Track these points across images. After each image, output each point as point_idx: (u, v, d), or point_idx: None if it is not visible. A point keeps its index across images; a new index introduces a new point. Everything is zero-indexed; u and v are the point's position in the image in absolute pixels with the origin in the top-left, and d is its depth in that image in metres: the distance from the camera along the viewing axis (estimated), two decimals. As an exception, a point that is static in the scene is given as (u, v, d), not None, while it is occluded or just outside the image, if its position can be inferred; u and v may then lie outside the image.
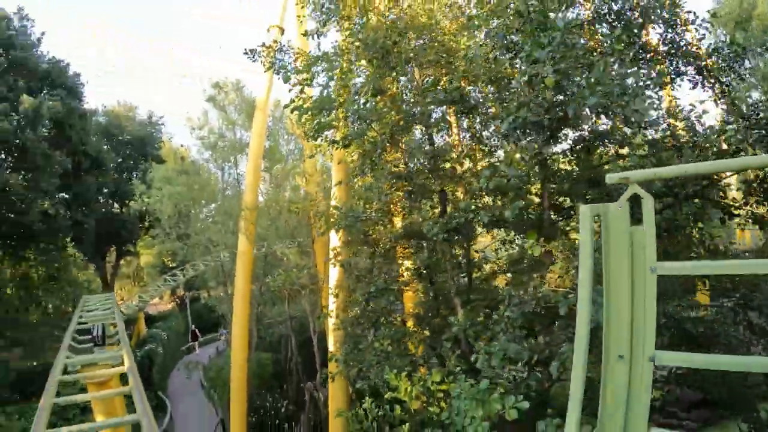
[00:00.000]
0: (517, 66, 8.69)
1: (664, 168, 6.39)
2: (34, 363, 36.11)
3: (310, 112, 11.90)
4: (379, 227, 13.36)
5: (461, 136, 12.94)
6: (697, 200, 7.93)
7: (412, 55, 10.91)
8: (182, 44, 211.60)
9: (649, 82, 9.25)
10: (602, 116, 7.72)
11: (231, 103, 42.50)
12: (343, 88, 12.03)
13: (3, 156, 41.74)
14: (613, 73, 7.38)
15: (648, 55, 10.40)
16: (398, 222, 14.66)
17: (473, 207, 8.97)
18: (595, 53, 8.19)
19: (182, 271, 52.81)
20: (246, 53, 13.14)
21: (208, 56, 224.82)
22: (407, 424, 9.08)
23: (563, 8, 8.97)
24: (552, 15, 8.26)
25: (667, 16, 10.43)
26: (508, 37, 8.51)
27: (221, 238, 37.97)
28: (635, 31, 9.96)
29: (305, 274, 24.60)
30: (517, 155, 8.22)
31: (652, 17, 10.22)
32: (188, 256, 50.57)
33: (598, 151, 9.86)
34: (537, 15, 7.97)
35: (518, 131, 7.25)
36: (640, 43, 10.35)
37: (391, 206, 13.29)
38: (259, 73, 23.00)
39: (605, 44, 8.65)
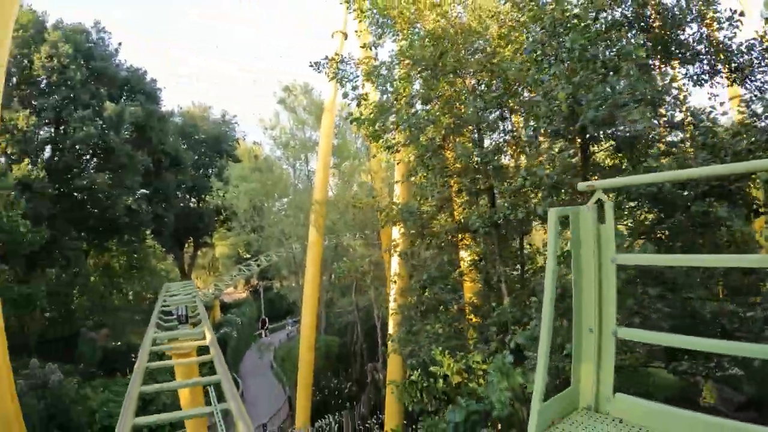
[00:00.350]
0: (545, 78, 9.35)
1: (628, 177, 7.33)
2: (118, 343, 38.77)
3: (367, 123, 12.86)
4: (435, 221, 14.24)
5: (505, 137, 13.59)
6: (710, 199, 8.40)
7: (458, 64, 11.74)
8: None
9: (685, 81, 9.89)
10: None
11: (300, 104, 44.22)
12: (401, 95, 12.93)
13: (90, 157, 44.81)
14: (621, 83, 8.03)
15: (685, 54, 10.74)
16: (458, 215, 15.47)
17: (506, 204, 9.74)
18: (617, 59, 8.71)
19: (256, 261, 54.94)
20: (311, 65, 14.20)
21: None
22: (447, 395, 10.08)
23: (593, 14, 9.53)
24: (580, 22, 8.94)
25: (702, 13, 10.55)
26: (535, 51, 9.24)
27: (293, 230, 39.77)
28: (669, 31, 10.34)
29: (367, 262, 25.81)
30: (542, 157, 8.93)
31: (688, 17, 10.53)
32: (262, 247, 52.79)
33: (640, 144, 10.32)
34: (563, 30, 8.71)
35: (537, 138, 8.06)
36: (677, 41, 10.56)
37: (446, 202, 14.11)
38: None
39: (629, 51, 9.12)
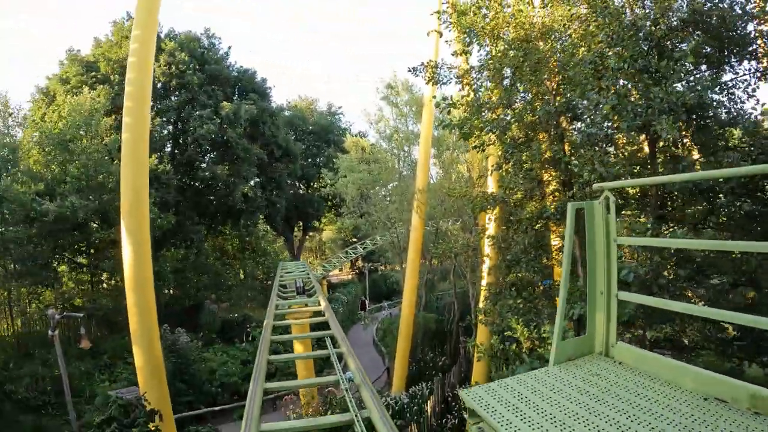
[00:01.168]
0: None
1: (629, 181, 8.32)
2: (234, 315, 42.35)
3: (456, 128, 14.11)
4: (521, 208, 15.30)
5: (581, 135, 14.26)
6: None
7: (538, 66, 12.73)
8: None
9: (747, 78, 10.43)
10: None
11: (402, 100, 45.98)
12: (492, 93, 14.04)
13: (210, 151, 48.78)
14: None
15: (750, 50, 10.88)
16: (541, 205, 16.41)
17: (580, 195, 10.67)
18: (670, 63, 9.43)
19: (362, 244, 57.23)
20: (409, 70, 15.64)
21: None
22: (519, 357, 11.32)
23: (655, 19, 10.23)
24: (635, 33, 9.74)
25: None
26: (595, 63, 10.13)
27: (397, 215, 41.60)
28: (737, 27, 10.54)
29: (460, 244, 27.15)
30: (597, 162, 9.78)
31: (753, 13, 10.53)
32: (368, 231, 55.08)
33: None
34: (624, 42, 9.62)
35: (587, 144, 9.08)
36: (740, 39, 10.66)
37: (532, 191, 15.11)
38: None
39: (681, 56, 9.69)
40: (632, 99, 8.96)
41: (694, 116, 9.10)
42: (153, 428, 10.82)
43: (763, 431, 3.15)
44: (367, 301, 55.67)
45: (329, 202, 65.88)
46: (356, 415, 5.53)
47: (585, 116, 10.10)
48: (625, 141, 10.92)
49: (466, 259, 30.09)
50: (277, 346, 9.00)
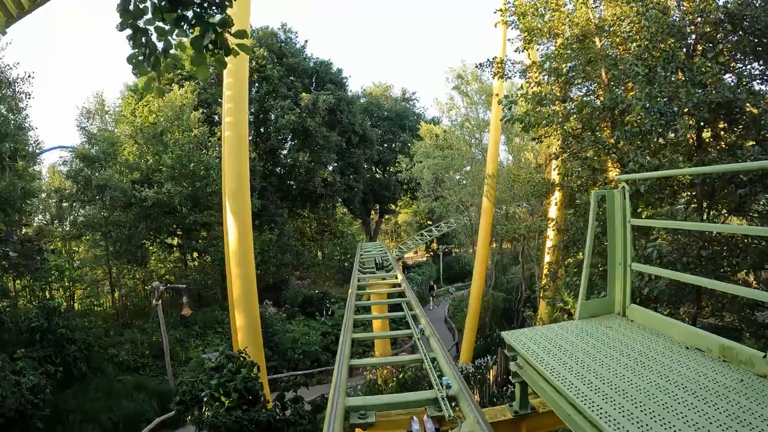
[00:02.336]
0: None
1: (641, 174, 9.27)
2: (315, 291, 44.15)
3: (517, 122, 15.21)
4: (579, 193, 16.25)
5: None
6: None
7: (587, 65, 13.69)
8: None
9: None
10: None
11: (472, 88, 47.04)
12: (555, 83, 15.05)
13: (291, 139, 50.93)
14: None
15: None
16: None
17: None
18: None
19: (437, 227, 58.47)
20: (477, 66, 16.90)
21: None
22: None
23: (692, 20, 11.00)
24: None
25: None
26: (636, 65, 10.99)
27: (470, 199, 42.77)
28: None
29: (524, 226, 28.10)
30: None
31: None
32: (442, 214, 56.32)
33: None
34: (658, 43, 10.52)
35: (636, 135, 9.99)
36: None
37: (591, 177, 16.03)
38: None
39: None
40: (663, 99, 9.87)
41: (722, 113, 9.78)
42: (253, 376, 12.64)
43: (725, 373, 4.10)
44: (435, 285, 55.93)
45: (405, 186, 66.79)
46: (425, 355, 6.92)
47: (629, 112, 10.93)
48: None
49: (533, 242, 31.10)
50: (359, 310, 10.37)
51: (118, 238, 32.89)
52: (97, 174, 32.19)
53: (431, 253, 72.73)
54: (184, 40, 4.17)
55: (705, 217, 10.57)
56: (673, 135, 10.05)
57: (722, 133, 10.54)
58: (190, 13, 3.94)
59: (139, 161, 35.87)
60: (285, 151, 51.10)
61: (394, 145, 69.00)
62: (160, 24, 4.04)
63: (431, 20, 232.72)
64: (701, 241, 9.28)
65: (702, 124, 10.35)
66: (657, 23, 10.93)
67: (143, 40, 4.09)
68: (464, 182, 49.03)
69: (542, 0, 14.77)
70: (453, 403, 5.43)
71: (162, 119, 36.68)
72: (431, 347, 7.14)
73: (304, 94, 48.27)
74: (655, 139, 10.96)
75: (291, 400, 13.22)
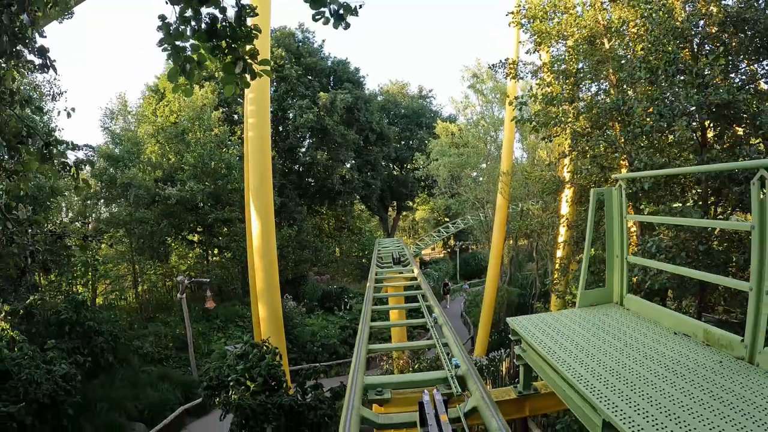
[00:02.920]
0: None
1: (640, 173, 9.60)
2: (333, 286, 44.96)
3: (526, 123, 15.68)
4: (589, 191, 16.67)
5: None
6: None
7: (595, 67, 14.07)
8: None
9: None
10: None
11: (487, 87, 47.50)
12: (566, 82, 15.46)
13: (309, 138, 51.56)
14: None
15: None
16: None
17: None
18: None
19: (454, 224, 58.91)
20: (490, 67, 17.40)
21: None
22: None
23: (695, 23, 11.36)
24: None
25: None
26: (640, 68, 11.39)
27: (485, 196, 43.19)
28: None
29: (536, 222, 28.52)
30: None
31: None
32: (459, 211, 56.73)
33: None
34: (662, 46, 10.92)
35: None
36: None
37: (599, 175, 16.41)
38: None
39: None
40: (665, 101, 10.27)
41: (724, 113, 10.10)
42: (276, 363, 13.30)
43: (707, 356, 4.57)
44: (449, 284, 55.40)
45: (422, 183, 66.87)
46: (437, 340, 7.43)
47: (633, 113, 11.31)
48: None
49: (546, 237, 31.48)
50: (377, 302, 10.83)
51: (141, 235, 33.71)
52: (120, 173, 33.02)
53: (448, 250, 73.13)
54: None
55: (712, 213, 10.94)
56: (672, 136, 10.38)
57: (725, 132, 10.85)
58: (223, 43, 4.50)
59: (161, 160, 36.67)
60: (303, 149, 51.82)
61: (411, 143, 69.13)
62: (195, 41, 4.62)
63: (447, 17, 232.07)
64: (701, 237, 9.65)
65: (707, 123, 10.72)
66: (660, 26, 11.32)
67: (181, 55, 4.66)
68: (480, 179, 49.45)
69: (551, 3, 15.22)
70: (462, 384, 5.92)
71: (183, 119, 37.45)
72: (444, 334, 7.64)
73: (321, 93, 48.89)
74: (656, 139, 11.35)
75: (311, 387, 13.84)
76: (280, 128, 49.36)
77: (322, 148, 49.09)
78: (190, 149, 35.60)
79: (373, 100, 62.27)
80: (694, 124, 10.30)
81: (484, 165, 49.10)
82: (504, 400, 6.83)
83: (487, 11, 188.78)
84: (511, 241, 41.55)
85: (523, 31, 16.48)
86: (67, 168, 5.69)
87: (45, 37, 6.77)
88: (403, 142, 69.72)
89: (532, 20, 15.52)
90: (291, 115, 48.00)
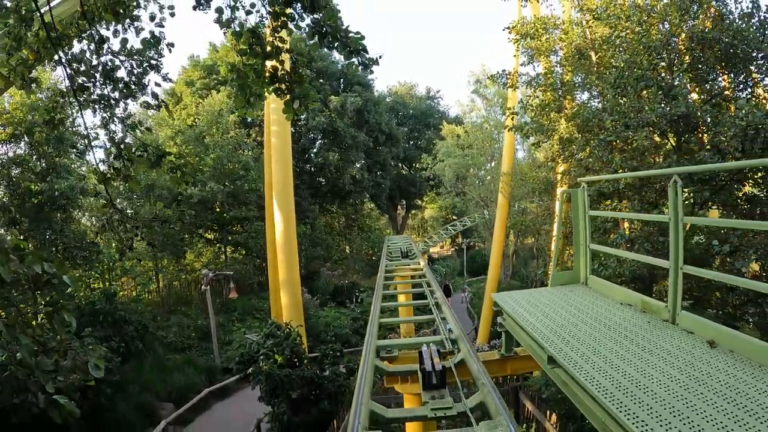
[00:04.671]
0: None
1: (597, 177, 11.07)
2: (345, 281, 46.48)
3: (516, 130, 17.13)
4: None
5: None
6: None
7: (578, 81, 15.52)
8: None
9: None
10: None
11: (490, 91, 48.95)
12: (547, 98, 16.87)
13: (321, 139, 52.79)
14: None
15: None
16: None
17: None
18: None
19: (461, 222, 60.14)
20: (490, 78, 18.92)
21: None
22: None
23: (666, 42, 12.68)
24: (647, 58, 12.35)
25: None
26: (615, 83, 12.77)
27: (489, 195, 44.58)
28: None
29: (530, 218, 29.73)
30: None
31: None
32: (464, 210, 57.98)
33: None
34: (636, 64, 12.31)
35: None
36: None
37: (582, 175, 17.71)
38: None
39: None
40: (630, 114, 11.65)
41: (683, 123, 11.40)
42: (298, 342, 14.94)
43: (641, 318, 5.92)
44: (450, 285, 55.10)
45: (430, 182, 67.45)
46: (437, 315, 8.88)
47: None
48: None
49: (544, 233, 32.78)
50: (387, 288, 12.17)
51: (162, 233, 35.18)
52: (144, 175, 34.50)
53: (456, 247, 74.24)
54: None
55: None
56: (635, 143, 11.68)
57: (688, 139, 12.17)
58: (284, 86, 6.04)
59: (181, 161, 38.02)
60: (315, 151, 53.05)
61: (419, 143, 70.20)
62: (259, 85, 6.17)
63: (456, 22, 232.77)
64: (662, 230, 11.00)
65: (675, 132, 12.06)
66: (634, 44, 12.78)
67: (246, 91, 6.20)
68: (485, 179, 50.77)
69: (541, 21, 16.68)
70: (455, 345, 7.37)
71: (201, 122, 38.99)
72: (442, 311, 9.11)
73: (332, 96, 50.20)
74: (623, 147, 12.71)
75: (329, 363, 15.41)
76: (293, 130, 50.46)
77: (333, 149, 50.27)
78: (209, 151, 37.08)
79: (382, 101, 63.18)
80: (647, 134, 11.54)
81: (488, 166, 50.47)
82: (489, 360, 8.34)
83: (492, 18, 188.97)
84: (513, 238, 42.97)
85: (518, 47, 17.90)
86: (175, 171, 7.33)
87: (168, 80, 8.46)
88: (411, 142, 70.66)
89: (524, 37, 16.96)
90: (303, 117, 49.42)
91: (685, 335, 5.20)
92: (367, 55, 5.68)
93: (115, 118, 7.28)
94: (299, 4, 5.45)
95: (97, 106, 7.11)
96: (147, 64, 7.50)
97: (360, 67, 5.91)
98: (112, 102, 7.17)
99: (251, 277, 40.09)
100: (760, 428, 3.35)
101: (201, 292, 28.68)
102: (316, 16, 5.39)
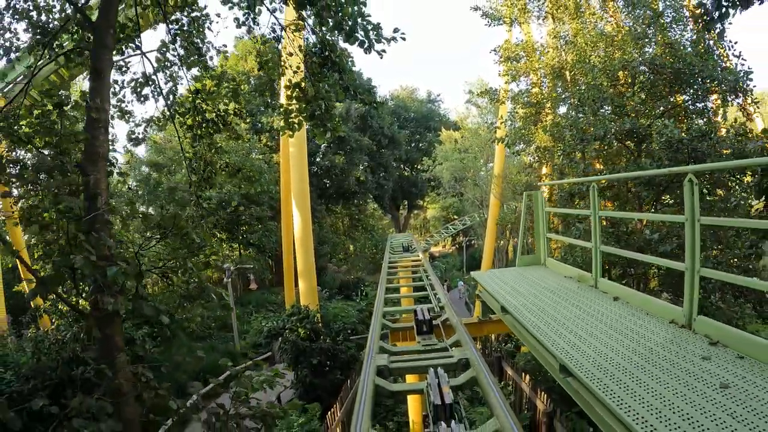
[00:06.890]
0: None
1: (556, 181, 13.36)
2: (351, 277, 48.77)
3: (502, 141, 19.41)
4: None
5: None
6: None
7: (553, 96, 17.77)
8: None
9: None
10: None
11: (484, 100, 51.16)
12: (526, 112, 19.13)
13: (327, 144, 54.36)
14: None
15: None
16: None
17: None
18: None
19: (461, 221, 62.05)
20: (478, 94, 21.28)
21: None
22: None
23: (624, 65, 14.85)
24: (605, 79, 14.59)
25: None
26: (579, 101, 15.01)
27: (486, 197, 46.64)
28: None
29: (515, 216, 31.74)
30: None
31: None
32: (462, 210, 59.91)
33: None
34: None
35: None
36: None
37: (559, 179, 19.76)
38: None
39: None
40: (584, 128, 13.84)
41: (635, 135, 13.48)
42: (316, 320, 17.39)
43: (579, 287, 8.01)
44: (448, 281, 56.16)
45: (431, 183, 68.71)
46: (429, 287, 11.01)
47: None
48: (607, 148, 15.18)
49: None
50: (391, 273, 14.12)
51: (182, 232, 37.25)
52: (165, 178, 36.84)
53: (456, 246, 75.50)
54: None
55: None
56: (591, 153, 13.83)
57: (640, 149, 14.33)
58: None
59: (199, 164, 40.22)
60: (321, 154, 54.61)
61: (420, 145, 71.64)
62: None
63: (455, 17, 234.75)
64: (614, 224, 13.17)
65: (625, 144, 14.11)
66: (594, 68, 15.01)
67: (290, 122, 8.48)
68: (481, 180, 52.78)
69: (521, 47, 18.97)
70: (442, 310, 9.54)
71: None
72: (435, 288, 11.28)
73: (337, 103, 51.71)
74: (580, 155, 14.83)
75: (343, 339, 17.74)
76: (301, 134, 52.54)
77: (338, 152, 51.99)
78: (224, 156, 39.14)
79: (384, 105, 64.69)
80: (596, 147, 13.60)
81: (484, 168, 52.51)
82: (469, 323, 10.53)
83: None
84: (508, 234, 45.05)
85: (505, 68, 20.16)
86: (248, 179, 9.89)
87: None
88: (413, 144, 71.79)
89: (506, 61, 19.25)
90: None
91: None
92: (375, 102, 7.90)
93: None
94: (330, 69, 7.67)
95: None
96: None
97: (367, 106, 8.10)
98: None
99: (265, 273, 42.29)
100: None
101: (223, 285, 30.90)
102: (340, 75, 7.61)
